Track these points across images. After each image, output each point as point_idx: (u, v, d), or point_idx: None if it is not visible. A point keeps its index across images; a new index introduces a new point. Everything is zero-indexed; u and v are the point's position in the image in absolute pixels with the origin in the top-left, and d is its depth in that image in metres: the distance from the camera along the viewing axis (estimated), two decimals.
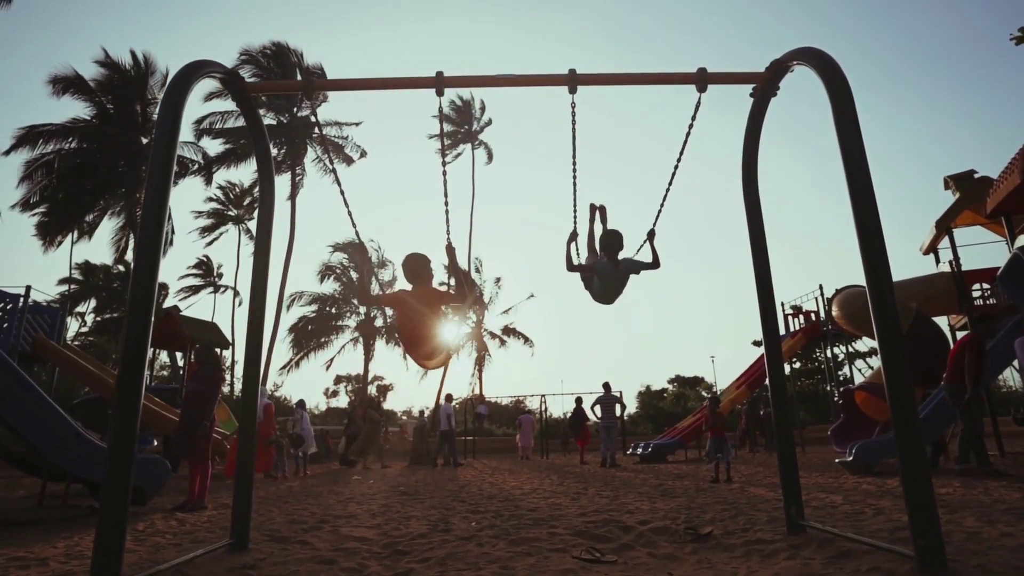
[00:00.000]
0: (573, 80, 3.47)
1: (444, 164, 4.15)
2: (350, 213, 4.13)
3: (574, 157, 4.15)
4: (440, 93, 3.50)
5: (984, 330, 7.20)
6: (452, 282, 4.33)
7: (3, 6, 17.66)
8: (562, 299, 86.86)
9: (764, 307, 3.91)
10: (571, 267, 4.68)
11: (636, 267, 4.62)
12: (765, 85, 3.57)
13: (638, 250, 4.69)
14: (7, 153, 23.12)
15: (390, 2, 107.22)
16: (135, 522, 4.89)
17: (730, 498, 5.74)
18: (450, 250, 4.09)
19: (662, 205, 4.42)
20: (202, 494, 6.15)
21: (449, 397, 17.31)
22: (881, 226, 2.71)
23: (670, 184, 4.24)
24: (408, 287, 4.28)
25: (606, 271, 4.57)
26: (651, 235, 4.56)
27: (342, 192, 4.10)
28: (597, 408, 14.11)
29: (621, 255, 4.60)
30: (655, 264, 4.54)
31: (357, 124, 31.33)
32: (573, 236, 4.71)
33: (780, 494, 3.83)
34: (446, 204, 4.01)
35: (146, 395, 12.30)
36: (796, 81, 3.57)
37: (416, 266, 4.22)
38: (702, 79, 3.50)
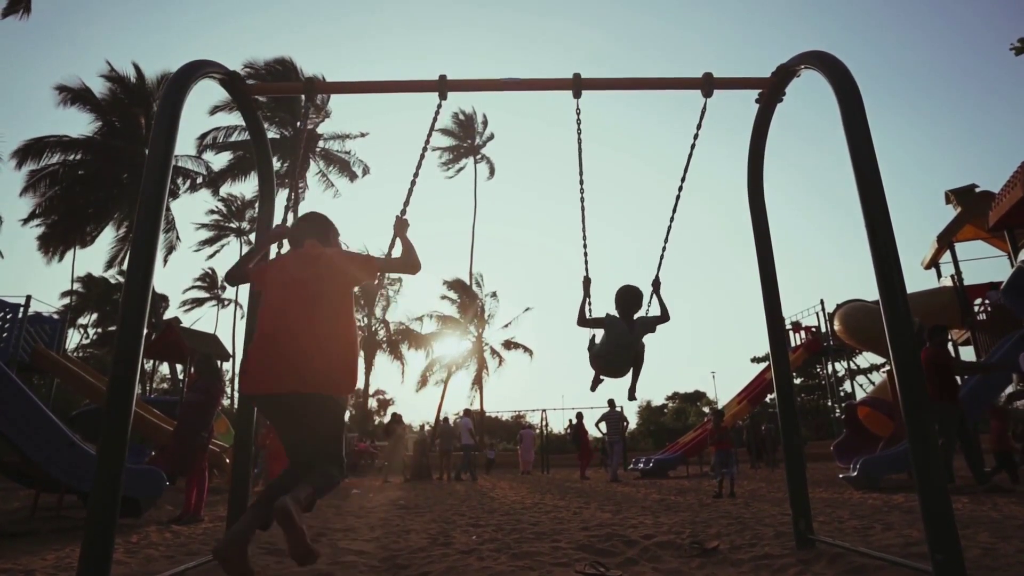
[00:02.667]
0: (577, 84, 3.43)
1: (427, 143, 3.57)
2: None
3: (580, 171, 3.84)
4: (443, 97, 3.46)
5: (940, 340, 7.15)
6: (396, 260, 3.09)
7: (23, 16, 17.70)
8: (561, 314, 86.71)
9: (771, 318, 3.84)
10: (583, 320, 4.05)
11: (651, 325, 4.09)
12: (771, 90, 3.53)
13: (648, 305, 4.20)
14: (18, 166, 23.20)
15: (392, 17, 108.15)
16: (129, 534, 4.79)
17: (735, 513, 5.63)
18: (402, 225, 3.15)
19: (664, 251, 4.13)
20: (198, 506, 6.04)
21: (468, 412, 17.49)
22: (893, 233, 2.64)
23: (671, 225, 4.03)
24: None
25: (621, 333, 3.98)
26: (656, 285, 4.15)
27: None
28: (602, 424, 14.03)
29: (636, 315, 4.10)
30: (665, 317, 4.09)
31: (363, 135, 31.46)
32: (587, 284, 4.10)
33: (785, 509, 3.75)
34: (415, 176, 3.50)
35: (145, 407, 12.24)
36: (789, 90, 3.53)
37: (313, 221, 2.92)
38: (708, 84, 3.46)
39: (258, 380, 2.51)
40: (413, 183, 3.51)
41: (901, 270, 2.56)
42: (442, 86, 3.40)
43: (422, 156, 3.57)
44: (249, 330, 3.22)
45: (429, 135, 3.60)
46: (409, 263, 2.96)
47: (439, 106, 3.47)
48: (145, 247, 2.52)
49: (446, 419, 22.06)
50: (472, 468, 15.41)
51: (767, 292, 3.83)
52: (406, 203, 3.43)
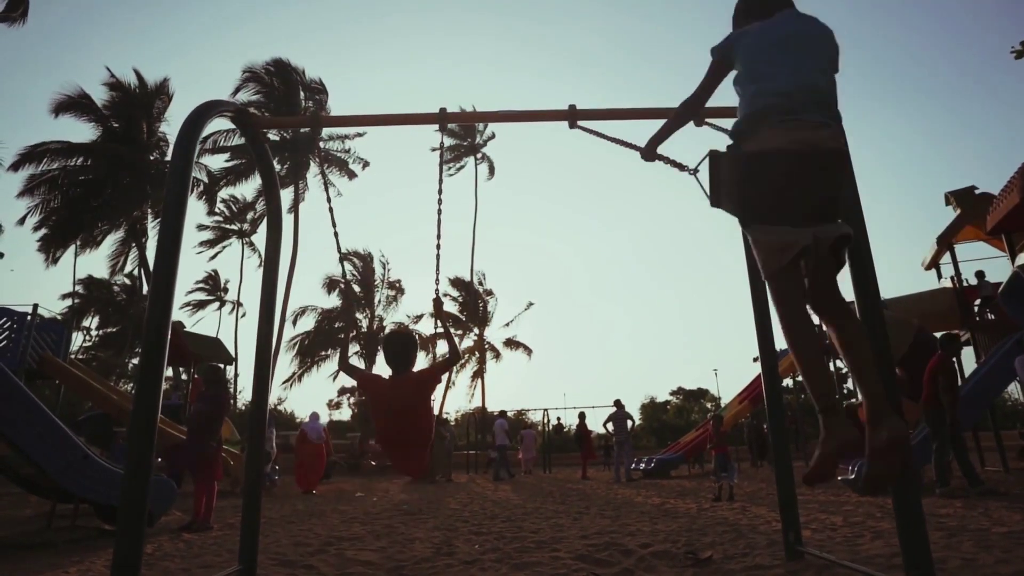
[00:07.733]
0: (573, 115, 3.55)
1: (440, 200, 3.68)
2: (341, 261, 4.31)
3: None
4: (443, 129, 3.60)
5: (952, 349, 7.25)
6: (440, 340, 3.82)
7: (18, 22, 17.80)
8: (563, 312, 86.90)
9: (761, 330, 3.97)
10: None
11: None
12: None
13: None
14: (15, 168, 23.32)
15: (392, 15, 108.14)
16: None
17: (731, 519, 5.78)
18: (438, 305, 3.64)
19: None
20: (207, 514, 6.20)
21: (503, 413, 17.85)
22: (872, 258, 2.78)
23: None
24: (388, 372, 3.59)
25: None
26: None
27: (334, 224, 4.09)
28: (609, 425, 14.21)
29: None
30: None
31: (361, 135, 31.46)
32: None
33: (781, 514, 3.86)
34: (438, 245, 3.62)
35: None
36: None
37: (399, 349, 3.55)
38: (701, 114, 3.58)
39: (396, 462, 3.70)
40: (438, 257, 3.63)
41: (880, 301, 2.70)
42: (442, 119, 3.53)
43: (439, 221, 3.67)
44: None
45: (440, 184, 3.70)
46: (455, 357, 3.75)
47: (441, 143, 3.65)
48: (164, 287, 2.64)
49: (444, 420, 22.22)
50: (507, 466, 15.96)
51: (758, 312, 3.96)
52: (437, 280, 3.63)
